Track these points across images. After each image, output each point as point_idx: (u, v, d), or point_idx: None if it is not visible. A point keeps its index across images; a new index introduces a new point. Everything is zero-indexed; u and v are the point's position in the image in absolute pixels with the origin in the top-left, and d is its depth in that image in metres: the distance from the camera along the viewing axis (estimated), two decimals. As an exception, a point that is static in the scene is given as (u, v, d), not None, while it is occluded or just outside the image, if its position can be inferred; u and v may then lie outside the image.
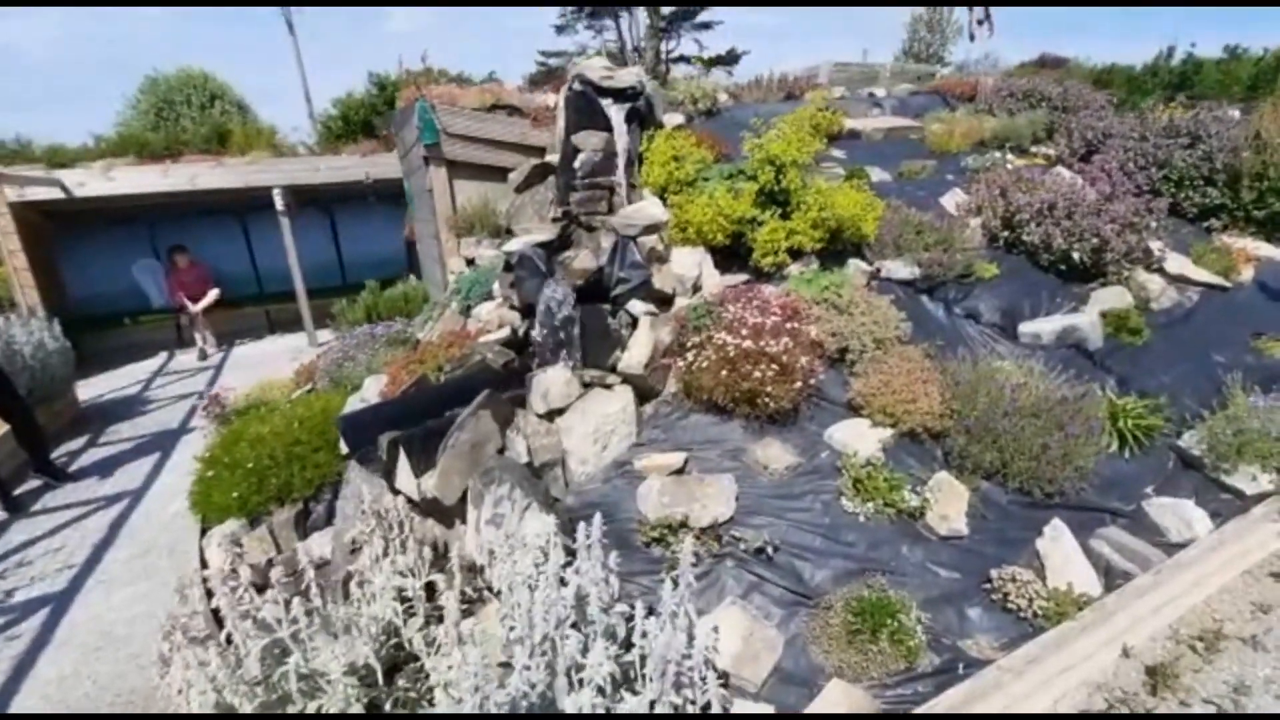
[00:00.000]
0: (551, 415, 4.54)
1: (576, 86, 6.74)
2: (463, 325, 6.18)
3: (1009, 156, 7.97)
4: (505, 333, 5.44)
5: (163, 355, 13.53)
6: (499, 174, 7.54)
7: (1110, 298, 5.91)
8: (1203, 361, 5.54)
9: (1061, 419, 4.44)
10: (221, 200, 13.59)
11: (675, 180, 6.21)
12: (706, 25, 39.00)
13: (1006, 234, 6.39)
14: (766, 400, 4.48)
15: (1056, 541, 4.08)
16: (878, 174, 7.91)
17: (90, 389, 10.90)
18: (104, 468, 7.67)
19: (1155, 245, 6.59)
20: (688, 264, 5.52)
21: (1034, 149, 8.93)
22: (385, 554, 3.61)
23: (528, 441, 4.30)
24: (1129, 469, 4.73)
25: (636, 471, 4.46)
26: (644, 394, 5.00)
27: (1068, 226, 6.04)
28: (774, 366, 4.43)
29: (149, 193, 12.35)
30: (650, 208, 5.65)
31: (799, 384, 4.53)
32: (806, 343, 4.72)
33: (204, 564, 5.01)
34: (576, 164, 6.67)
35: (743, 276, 5.89)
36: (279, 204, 12.19)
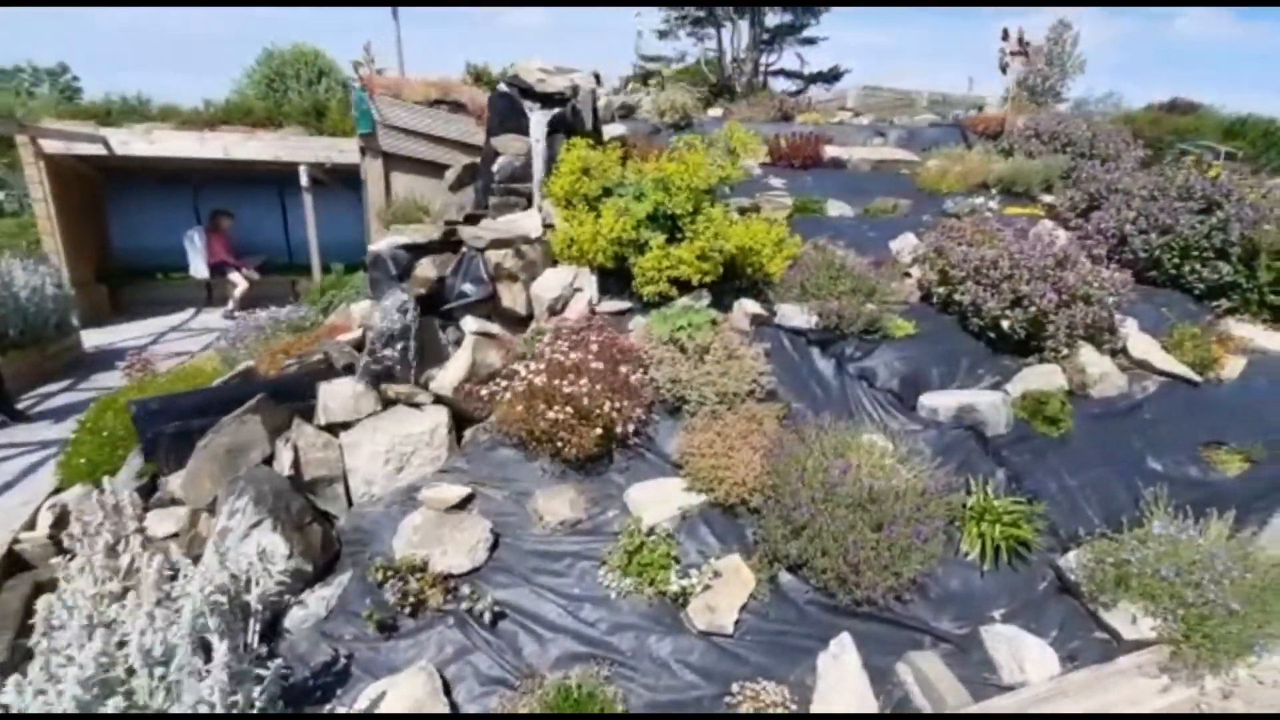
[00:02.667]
0: (334, 429, 4.30)
1: (502, 88, 6.50)
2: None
3: (992, 204, 7.10)
4: (358, 333, 5.25)
5: (190, 311, 14.34)
6: (439, 171, 7.40)
7: (1038, 377, 5.09)
8: (1129, 468, 4.66)
9: (889, 515, 3.79)
10: (262, 171, 14.24)
11: (579, 194, 5.84)
12: (810, 40, 37.92)
13: (941, 290, 5.65)
14: (561, 444, 4.08)
15: (838, 660, 3.47)
16: (838, 209, 7.25)
17: (107, 335, 11.59)
18: (62, 413, 8.05)
19: (1127, 322, 5.66)
20: (552, 284, 5.16)
21: (1044, 197, 7.97)
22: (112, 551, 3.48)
23: (298, 454, 4.08)
24: (982, 584, 4.01)
25: (418, 501, 4.16)
26: (467, 418, 4.70)
27: (1006, 290, 5.25)
28: (569, 409, 4.01)
29: (184, 157, 13.08)
30: (524, 221, 5.33)
31: (600, 431, 4.09)
32: (625, 386, 4.26)
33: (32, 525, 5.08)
34: (495, 168, 6.45)
35: (626, 304, 5.47)
36: (304, 179, 12.61)
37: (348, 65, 10.06)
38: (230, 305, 13.17)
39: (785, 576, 3.82)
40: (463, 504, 4.13)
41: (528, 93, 6.42)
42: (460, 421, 4.69)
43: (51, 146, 10.73)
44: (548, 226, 5.64)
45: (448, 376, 4.50)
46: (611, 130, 6.94)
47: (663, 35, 42.13)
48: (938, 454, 4.60)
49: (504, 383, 4.27)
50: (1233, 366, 5.53)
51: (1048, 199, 7.83)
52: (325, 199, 16.60)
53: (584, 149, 5.77)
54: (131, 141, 12.96)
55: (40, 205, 10.88)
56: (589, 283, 5.49)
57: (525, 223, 5.28)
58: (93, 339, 10.59)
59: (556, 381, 4.04)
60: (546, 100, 6.45)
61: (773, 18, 38.62)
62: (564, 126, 6.39)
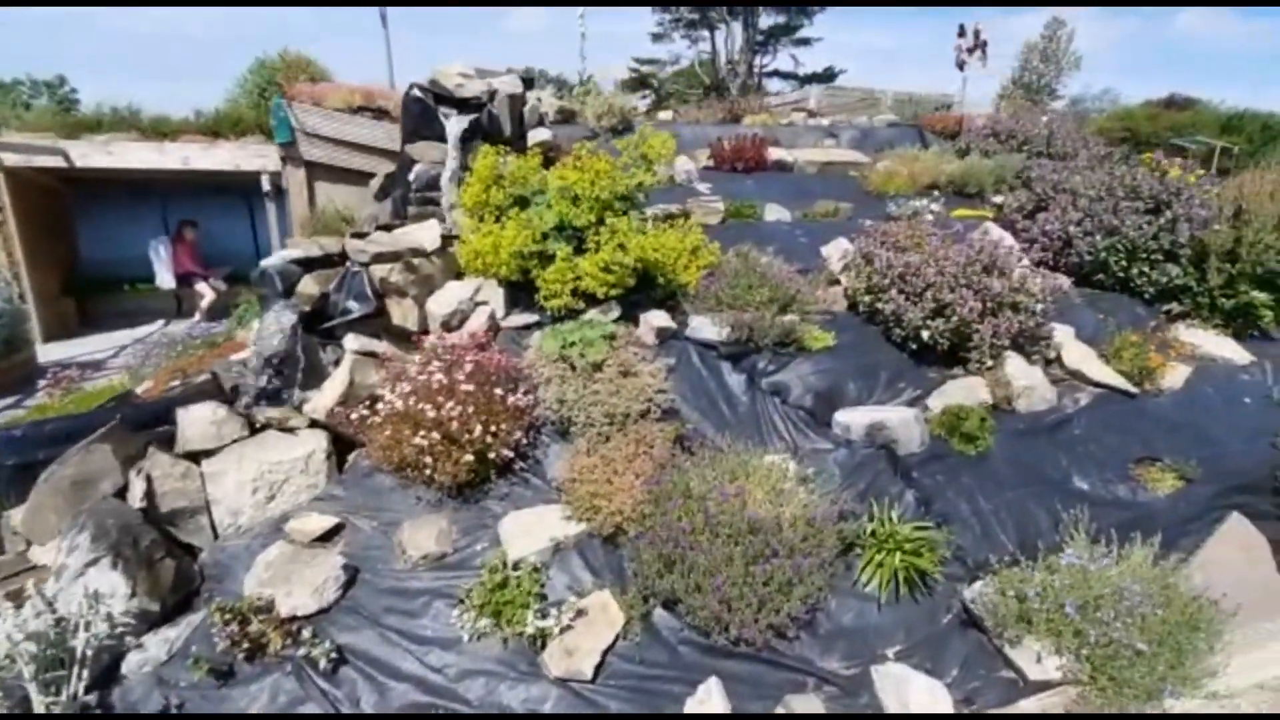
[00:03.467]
0: (197, 457, 4.07)
1: (415, 93, 6.27)
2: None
3: (934, 206, 6.81)
4: (250, 352, 5.03)
5: (159, 323, 14.17)
6: (366, 179, 7.18)
7: (959, 391, 4.81)
8: (1052, 488, 4.37)
9: (770, 547, 3.52)
10: (229, 180, 14.09)
11: (489, 204, 5.59)
12: (805, 41, 37.57)
13: (867, 299, 5.37)
14: (430, 471, 3.83)
15: (704, 707, 3.21)
16: (776, 213, 6.98)
17: (69, 349, 11.43)
18: (-4, 430, 7.89)
19: (1061, 330, 5.37)
20: (448, 299, 4.92)
21: (996, 199, 7.67)
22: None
23: (152, 484, 3.84)
24: (879, 618, 3.72)
25: (286, 533, 3.92)
26: (351, 442, 4.45)
27: (929, 299, 4.97)
28: (435, 434, 3.76)
29: (144, 168, 12.94)
30: (419, 233, 5.09)
31: (472, 456, 3.84)
32: (503, 408, 4.01)
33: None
34: (411, 176, 6.23)
35: (533, 318, 5.22)
36: (265, 186, 12.45)
37: (343, 74, 9.74)
38: (197, 316, 12.99)
39: (660, 614, 3.55)
40: (329, 535, 3.89)
41: (443, 98, 6.19)
42: (350, 447, 4.45)
43: (10, 160, 10.59)
44: (452, 238, 5.40)
45: (323, 399, 4.27)
46: (538, 136, 6.68)
47: (657, 38, 41.65)
48: (847, 475, 4.33)
49: (375, 406, 4.02)
50: (1175, 376, 5.23)
51: (1000, 200, 7.53)
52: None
53: (494, 156, 5.53)
54: (91, 154, 12.79)
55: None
56: (496, 296, 5.25)
57: (420, 235, 5.04)
58: (53, 353, 10.39)
59: (422, 405, 3.79)
60: (463, 106, 6.23)
61: (766, 19, 38.28)
62: (481, 133, 6.16)
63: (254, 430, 4.21)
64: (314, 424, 4.32)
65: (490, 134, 6.19)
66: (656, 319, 4.91)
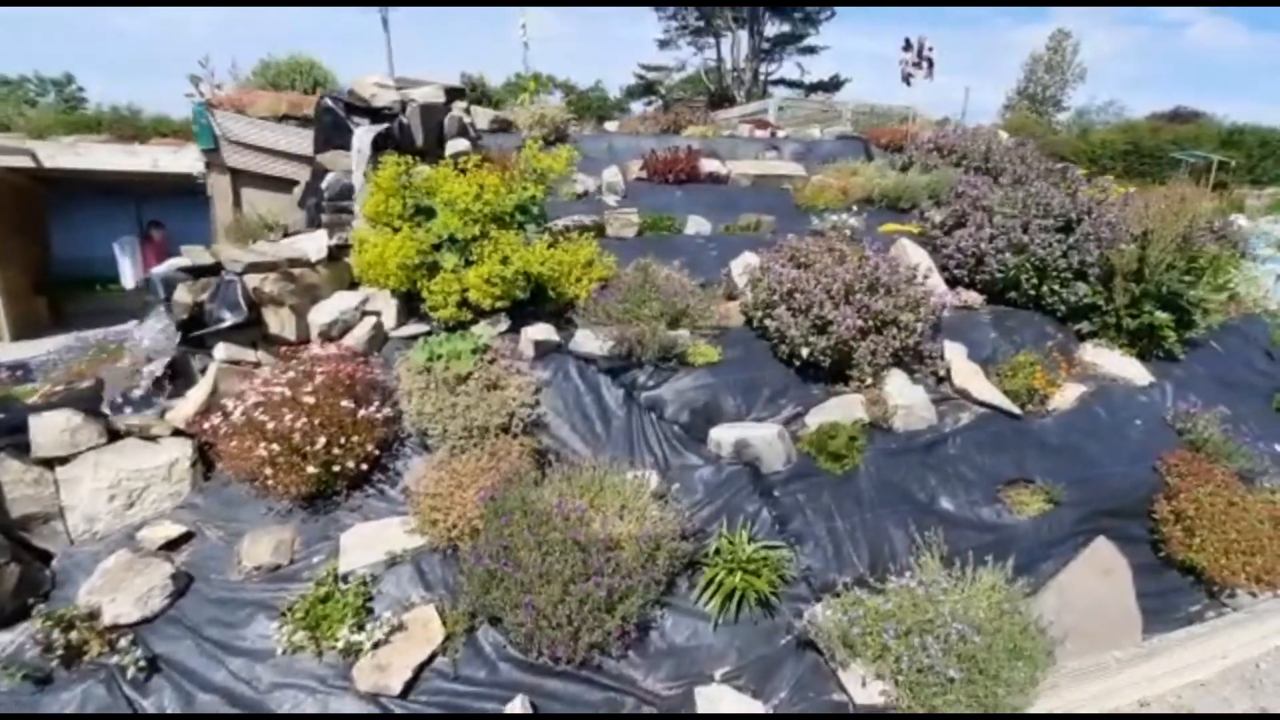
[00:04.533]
0: (51, 463, 4.10)
1: (326, 102, 6.33)
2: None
3: (852, 221, 6.78)
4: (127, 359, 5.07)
5: (132, 322, 14.34)
6: (292, 186, 7.23)
7: (836, 409, 4.79)
8: (915, 509, 4.33)
9: (594, 566, 3.51)
10: (199, 184, 14.27)
11: (389, 213, 5.62)
12: (811, 50, 37.50)
13: (759, 315, 5.35)
14: (269, 482, 3.84)
15: (508, 725, 3.20)
16: (697, 226, 6.98)
17: (37, 347, 11.58)
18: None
19: (953, 348, 5.34)
20: (329, 309, 4.95)
21: (932, 214, 7.63)
22: None
23: (1, 490, 3.88)
24: (714, 638, 3.71)
25: (136, 541, 3.95)
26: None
27: (812, 315, 4.94)
28: (275, 446, 3.78)
29: (113, 169, 13.09)
30: (303, 243, 5.14)
31: (316, 469, 3.86)
32: (353, 420, 4.02)
33: None
34: (324, 185, 6.28)
35: (424, 329, 5.25)
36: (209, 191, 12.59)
37: (344, 76, 9.61)
38: None
39: (486, 630, 3.55)
40: (178, 544, 3.93)
41: (354, 108, 6.24)
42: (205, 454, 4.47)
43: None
44: (347, 247, 5.44)
45: (186, 408, 4.31)
46: (457, 146, 6.69)
47: (663, 45, 41.65)
48: (709, 493, 4.32)
49: (229, 417, 4.05)
50: (1066, 396, 5.19)
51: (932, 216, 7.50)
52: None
53: (393, 167, 5.56)
54: (58, 155, 12.96)
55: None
56: (389, 307, 5.28)
57: (306, 244, 5.09)
58: (15, 352, 10.50)
59: (263, 417, 3.81)
60: (375, 116, 6.28)
61: (772, 27, 38.18)
62: (392, 143, 6.20)
63: (115, 437, 4.23)
64: (178, 432, 4.35)
65: (401, 144, 6.22)
66: (536, 332, 4.92)
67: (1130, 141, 37.61)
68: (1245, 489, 4.80)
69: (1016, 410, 4.95)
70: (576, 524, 3.66)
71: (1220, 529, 4.37)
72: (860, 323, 4.85)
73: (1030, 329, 5.93)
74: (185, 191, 15.53)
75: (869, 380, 4.89)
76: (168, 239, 13.94)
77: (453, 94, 7.38)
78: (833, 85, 38.88)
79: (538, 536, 3.56)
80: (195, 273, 5.01)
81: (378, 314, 5.24)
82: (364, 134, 6.07)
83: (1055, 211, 6.08)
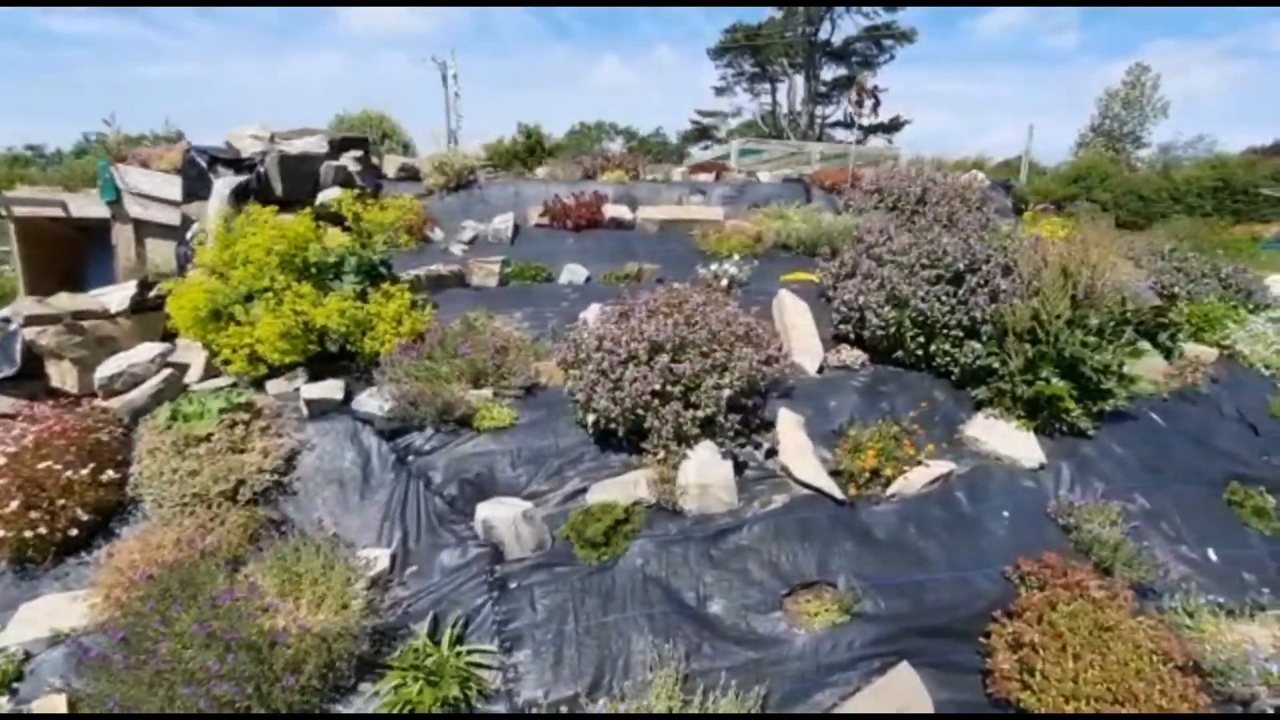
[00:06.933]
0: None
1: (190, 154, 6.41)
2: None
3: (730, 269, 6.18)
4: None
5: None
6: (191, 236, 7.36)
7: (616, 486, 4.18)
8: (675, 614, 3.62)
9: (251, 672, 3.06)
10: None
11: (223, 263, 5.53)
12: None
13: (564, 373, 4.84)
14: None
15: None
16: (572, 274, 6.58)
17: None
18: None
19: (788, 418, 4.63)
20: (115, 363, 4.81)
21: (829, 264, 6.91)
22: None
23: None
24: (374, 762, 3.15)
25: None
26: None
27: (613, 377, 4.40)
28: (-45, 511, 3.59)
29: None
30: (111, 294, 5.10)
31: (4, 533, 3.63)
32: (54, 484, 3.79)
33: None
34: (189, 234, 6.33)
35: (227, 381, 5.06)
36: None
37: (413, 129, 9.96)
38: None
39: (112, 730, 3.15)
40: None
41: (218, 159, 6.30)
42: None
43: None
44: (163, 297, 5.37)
45: (-72, 461, 4.21)
46: (329, 194, 6.61)
47: (720, 92, 42.15)
48: (445, 577, 3.82)
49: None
50: (915, 478, 4.34)
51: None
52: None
53: (220, 219, 5.50)
54: (87, 206, 14.10)
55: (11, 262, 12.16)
56: (199, 359, 5.13)
57: (110, 296, 5.04)
58: None
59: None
60: (239, 166, 6.30)
61: (829, 72, 37.86)
62: (252, 193, 6.19)
63: None
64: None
65: (261, 194, 6.20)
66: (313, 390, 4.61)
67: (1220, 178, 34.40)
68: (1136, 608, 3.82)
69: (839, 495, 4.17)
70: (248, 614, 3.25)
71: (1071, 665, 3.42)
72: (657, 386, 4.26)
73: (910, 394, 5.11)
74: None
75: (661, 454, 4.26)
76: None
77: (348, 144, 7.39)
78: (893, 127, 37.95)
79: (181, 627, 3.16)
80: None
81: (185, 366, 5.10)
82: (223, 185, 6.09)
83: (945, 260, 5.30)
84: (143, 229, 7.36)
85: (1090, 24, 65.86)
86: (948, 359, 5.24)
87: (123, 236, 7.42)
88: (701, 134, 41.25)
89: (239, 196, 6.09)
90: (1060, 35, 70.62)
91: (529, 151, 10.82)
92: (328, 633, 3.27)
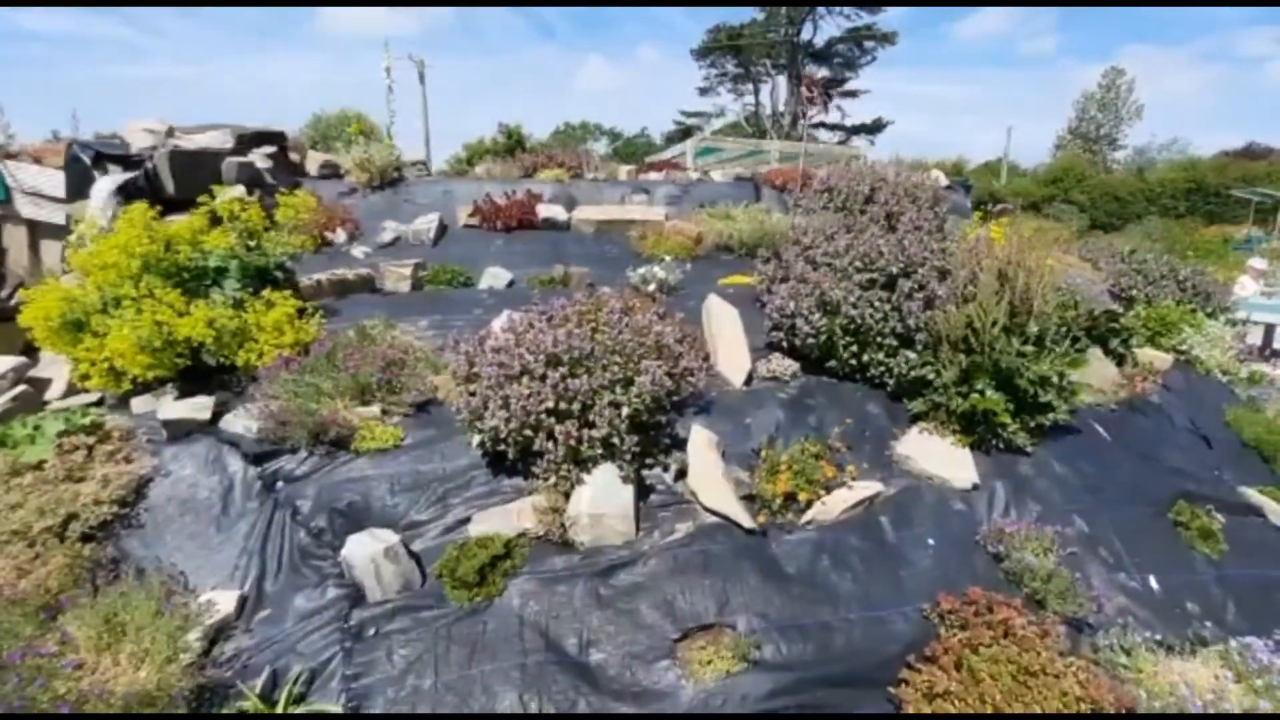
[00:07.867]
0: None
1: (74, 150, 5.92)
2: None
3: (658, 272, 5.79)
4: None
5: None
6: (97, 238, 6.84)
7: (500, 517, 3.77)
8: (552, 661, 3.22)
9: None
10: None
11: (93, 265, 5.05)
12: (852, 94, 36.84)
13: (459, 388, 4.41)
14: None
15: None
16: (494, 278, 6.16)
17: None
18: None
19: (700, 437, 4.23)
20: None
21: (766, 266, 6.54)
22: None
23: None
24: None
25: None
26: None
27: (502, 393, 3.98)
28: None
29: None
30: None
31: None
32: None
33: None
34: (74, 236, 5.83)
35: (95, 397, 4.60)
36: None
37: (397, 130, 9.56)
38: None
39: None
40: None
41: (104, 155, 5.81)
42: None
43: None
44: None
45: None
46: (232, 193, 6.13)
47: (704, 92, 41.93)
48: (297, 623, 3.38)
49: None
50: (833, 503, 3.97)
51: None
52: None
53: (104, 219, 5.03)
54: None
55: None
56: (63, 374, 4.66)
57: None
58: None
59: None
60: (128, 163, 5.82)
61: (813, 71, 37.90)
62: (140, 190, 5.71)
63: None
64: None
65: (150, 192, 5.73)
66: (170, 410, 4.16)
67: (1192, 180, 34.54)
68: (1069, 646, 3.48)
69: (749, 523, 3.78)
70: (50, 673, 2.80)
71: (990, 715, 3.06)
72: (550, 404, 3.85)
73: (840, 408, 4.74)
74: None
75: (551, 479, 3.85)
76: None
77: (261, 139, 6.92)
78: (875, 128, 37.83)
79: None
80: None
81: (47, 382, 4.63)
82: (108, 182, 5.63)
83: (879, 264, 4.93)
84: (37, 230, 6.85)
85: (1068, 28, 66.40)
86: (882, 369, 4.88)
87: (14, 238, 6.89)
88: (685, 134, 40.88)
89: (127, 195, 5.61)
90: (1039, 40, 71.18)
91: (509, 152, 10.47)
92: (138, 695, 2.84)
